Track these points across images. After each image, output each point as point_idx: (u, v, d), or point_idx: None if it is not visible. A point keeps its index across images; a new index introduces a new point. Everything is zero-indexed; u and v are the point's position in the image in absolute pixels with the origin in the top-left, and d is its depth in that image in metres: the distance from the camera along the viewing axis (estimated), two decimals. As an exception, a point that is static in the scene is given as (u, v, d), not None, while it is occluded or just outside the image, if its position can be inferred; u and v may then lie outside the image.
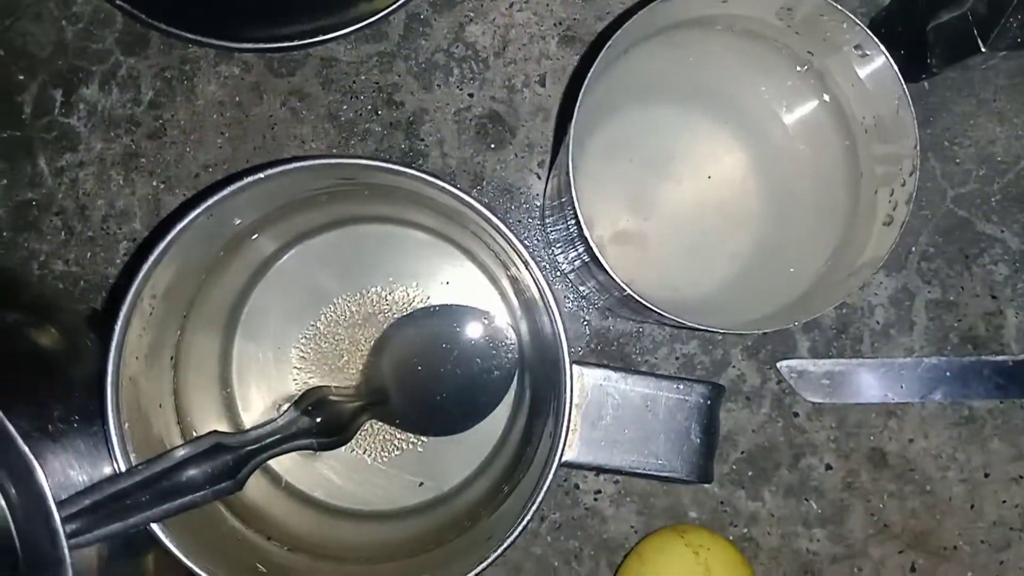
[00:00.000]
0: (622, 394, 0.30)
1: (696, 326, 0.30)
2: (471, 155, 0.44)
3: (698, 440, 0.31)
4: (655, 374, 0.31)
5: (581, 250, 0.35)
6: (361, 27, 0.40)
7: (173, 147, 0.43)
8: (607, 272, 0.31)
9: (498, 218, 0.30)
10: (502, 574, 0.43)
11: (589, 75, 0.30)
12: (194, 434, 0.35)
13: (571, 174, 0.31)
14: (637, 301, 0.31)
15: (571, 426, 0.29)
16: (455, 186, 0.30)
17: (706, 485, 0.43)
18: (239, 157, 0.43)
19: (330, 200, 0.36)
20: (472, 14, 0.44)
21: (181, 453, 0.30)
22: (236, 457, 0.31)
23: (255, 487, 0.36)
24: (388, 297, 0.41)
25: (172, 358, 0.35)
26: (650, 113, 0.39)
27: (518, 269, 0.31)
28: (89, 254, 0.43)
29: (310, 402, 0.35)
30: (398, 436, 0.40)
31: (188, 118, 0.43)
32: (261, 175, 0.29)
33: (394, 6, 0.40)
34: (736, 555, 0.41)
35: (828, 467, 0.44)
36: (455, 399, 0.39)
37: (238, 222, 0.32)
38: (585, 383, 0.31)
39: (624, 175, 0.40)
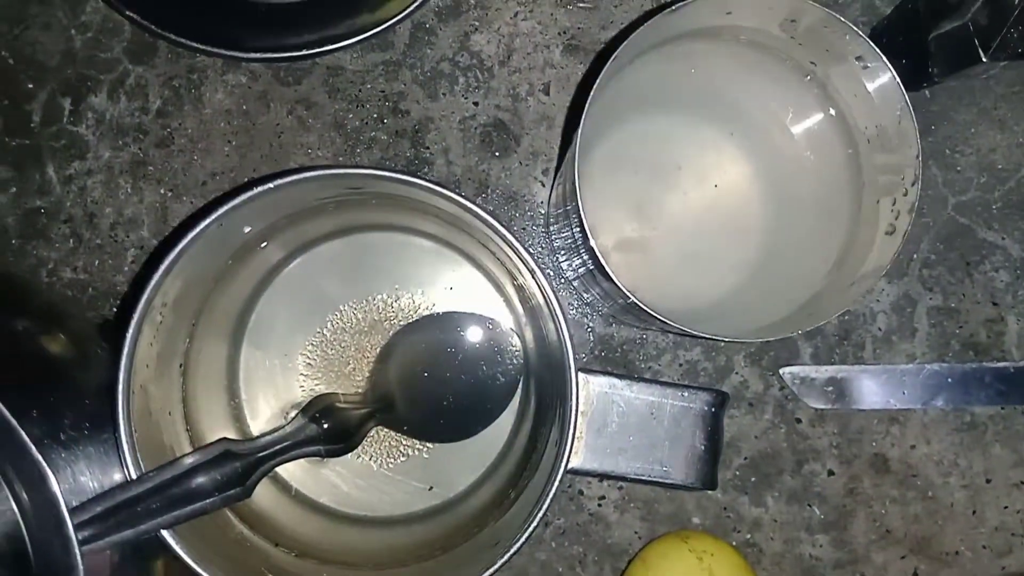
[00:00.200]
0: (627, 401, 0.31)
1: (699, 334, 0.30)
2: (476, 163, 0.44)
3: (702, 447, 0.31)
4: (660, 381, 0.32)
5: (585, 258, 0.35)
6: (367, 37, 0.40)
7: (181, 155, 0.43)
8: (611, 280, 0.32)
9: (504, 227, 0.30)
10: (507, 579, 0.43)
11: (595, 86, 0.30)
12: (203, 441, 0.36)
13: (577, 183, 0.31)
14: (641, 308, 0.32)
15: (577, 433, 0.29)
16: (462, 195, 0.30)
17: (710, 491, 0.43)
18: (246, 165, 0.43)
19: (337, 208, 0.36)
20: (477, 23, 0.44)
21: (191, 460, 0.30)
22: (245, 464, 0.31)
23: (263, 493, 0.37)
24: (394, 304, 0.41)
25: (181, 366, 0.35)
26: (655, 122, 0.39)
27: (524, 277, 0.32)
28: (97, 262, 0.43)
29: (317, 409, 0.35)
30: (404, 442, 0.40)
31: (195, 126, 0.43)
32: (271, 185, 0.29)
33: (400, 16, 0.41)
34: (739, 561, 0.42)
35: (831, 473, 0.44)
36: (461, 405, 0.40)
37: (247, 230, 0.32)
38: (590, 390, 0.31)
39: (628, 184, 0.41)
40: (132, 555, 0.31)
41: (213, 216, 0.29)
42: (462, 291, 0.41)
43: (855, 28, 0.31)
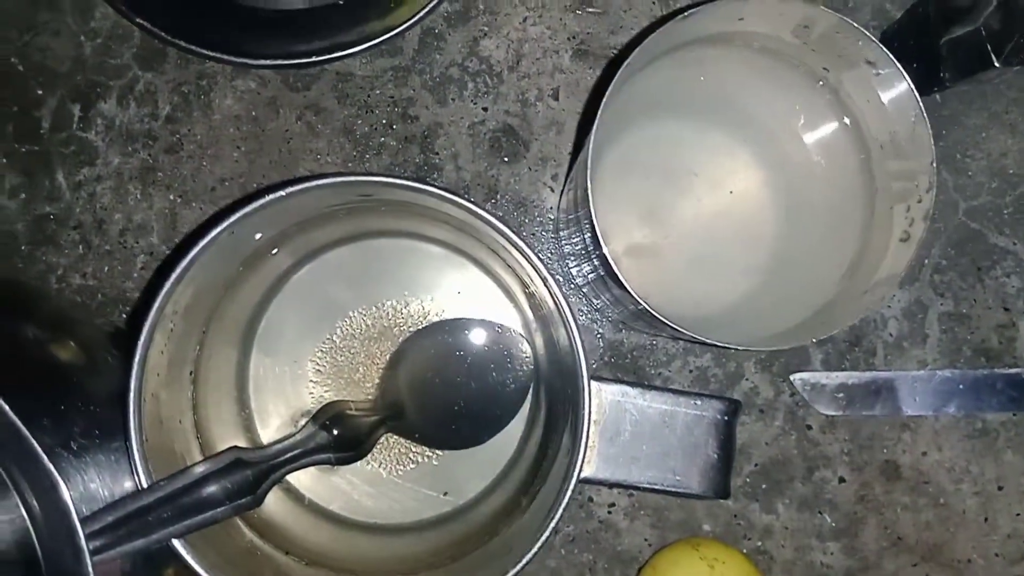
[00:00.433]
0: (640, 410, 0.31)
1: (712, 341, 0.30)
2: (485, 168, 0.44)
3: (715, 456, 0.31)
4: (672, 390, 0.32)
5: (596, 264, 0.35)
6: (377, 43, 0.40)
7: (190, 161, 0.43)
8: (622, 286, 0.32)
9: (515, 234, 0.30)
10: (516, 587, 0.43)
11: (607, 93, 0.30)
12: (213, 448, 0.36)
13: (589, 191, 0.31)
14: (652, 315, 0.32)
15: (589, 442, 0.29)
16: (473, 202, 0.30)
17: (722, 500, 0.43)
18: (255, 171, 0.43)
19: (347, 215, 0.36)
20: (486, 28, 0.44)
21: (202, 469, 0.30)
22: (256, 472, 0.31)
23: (273, 501, 0.37)
24: (403, 310, 0.41)
25: (191, 373, 0.35)
26: (666, 128, 0.39)
27: (535, 284, 0.31)
28: (106, 268, 0.43)
29: (327, 417, 0.35)
30: (413, 449, 0.40)
31: (205, 132, 0.43)
32: (282, 192, 0.29)
33: (410, 22, 0.41)
34: (750, 568, 0.41)
35: (842, 480, 0.44)
36: (471, 412, 0.40)
37: (258, 237, 0.32)
38: (603, 399, 0.31)
39: (639, 189, 0.40)
40: (143, 564, 0.31)
41: (225, 224, 0.29)
42: (472, 296, 0.41)
43: (868, 34, 0.31)
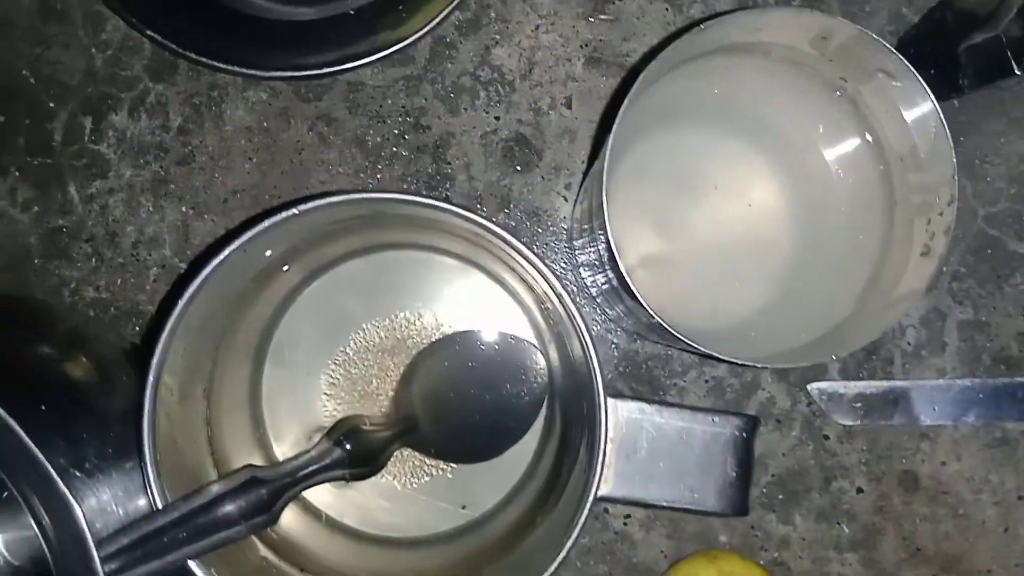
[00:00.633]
0: (657, 427, 0.30)
1: (726, 358, 0.30)
2: (498, 178, 0.44)
3: (734, 473, 0.31)
4: (690, 406, 0.31)
5: (610, 275, 0.35)
6: (389, 54, 0.40)
7: (202, 173, 0.43)
8: (638, 300, 0.31)
9: (531, 251, 0.29)
10: (532, 599, 0.43)
11: (622, 108, 0.29)
12: (227, 464, 0.36)
13: (604, 205, 0.30)
14: (666, 329, 0.31)
15: (606, 460, 0.29)
16: (489, 220, 0.30)
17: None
18: (267, 183, 0.43)
19: (359, 228, 0.36)
20: (498, 37, 0.44)
21: (216, 488, 0.30)
22: (271, 491, 0.31)
23: (288, 517, 0.36)
24: (417, 322, 0.40)
25: (205, 389, 0.35)
26: (682, 137, 0.39)
27: (550, 301, 0.31)
28: (119, 280, 0.43)
29: (341, 432, 0.35)
30: (428, 462, 0.40)
31: (216, 144, 0.43)
32: (295, 211, 0.29)
33: (422, 32, 0.40)
34: (768, 581, 0.41)
35: (859, 490, 0.44)
36: (485, 425, 0.39)
37: (269, 254, 0.32)
38: (619, 416, 0.30)
39: (654, 199, 0.40)
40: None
41: (236, 243, 0.28)
42: (485, 308, 0.41)
43: (888, 46, 0.30)
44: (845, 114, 0.35)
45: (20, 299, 0.39)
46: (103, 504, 0.30)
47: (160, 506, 0.29)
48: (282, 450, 0.39)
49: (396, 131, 0.44)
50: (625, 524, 0.43)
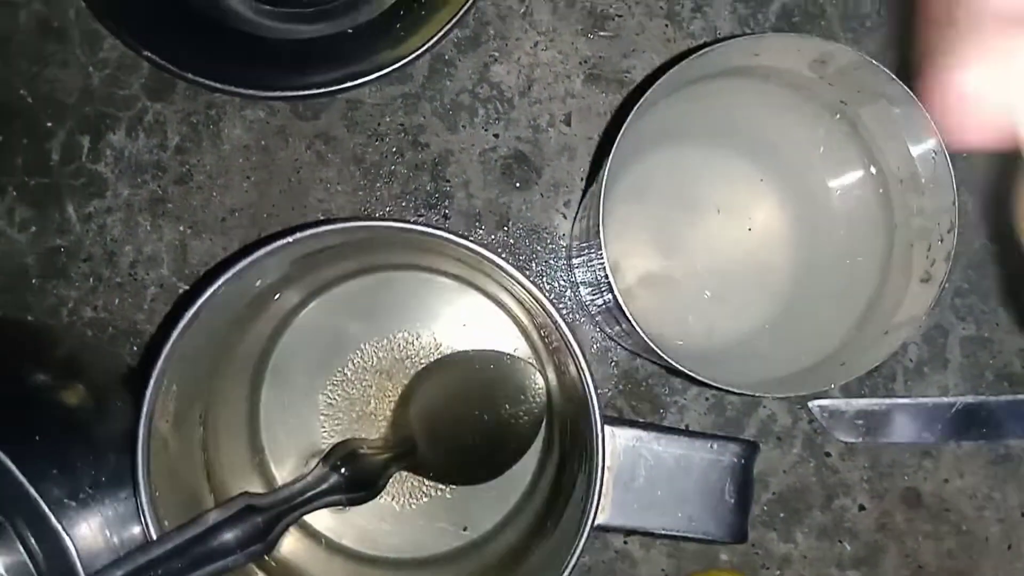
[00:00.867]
0: (655, 455, 0.30)
1: (723, 387, 0.30)
2: (496, 195, 0.44)
3: (732, 500, 0.31)
4: (688, 432, 0.31)
5: (608, 297, 0.35)
6: (387, 73, 0.40)
7: (199, 192, 0.43)
8: (633, 326, 0.31)
9: (528, 279, 0.29)
10: (532, 618, 0.43)
11: (620, 135, 0.29)
12: (224, 488, 0.35)
13: (601, 230, 0.30)
14: (661, 355, 0.31)
15: (603, 490, 0.28)
16: (485, 247, 0.30)
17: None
18: (265, 201, 0.43)
19: (356, 251, 0.36)
20: (497, 54, 0.44)
21: (212, 517, 0.29)
22: (267, 519, 0.30)
23: (285, 540, 0.36)
24: (415, 342, 0.40)
25: (201, 414, 0.35)
26: (682, 157, 0.38)
27: (548, 329, 0.31)
28: (117, 300, 0.43)
29: (338, 457, 0.34)
30: (426, 483, 0.40)
31: (214, 163, 0.43)
32: (290, 239, 0.29)
33: (421, 50, 0.40)
34: (769, 601, 0.41)
35: (861, 508, 0.44)
36: (484, 446, 0.39)
37: (258, 284, 0.31)
38: (617, 444, 0.30)
39: (654, 218, 0.40)
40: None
41: (227, 275, 0.28)
42: (483, 328, 0.40)
43: (887, 72, 0.30)
44: (845, 137, 0.34)
45: (16, 322, 0.39)
46: (97, 532, 0.30)
47: (154, 537, 0.29)
48: (281, 473, 0.39)
49: (394, 149, 0.43)
50: (626, 543, 0.43)
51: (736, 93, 0.35)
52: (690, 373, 0.30)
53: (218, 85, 0.40)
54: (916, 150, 0.31)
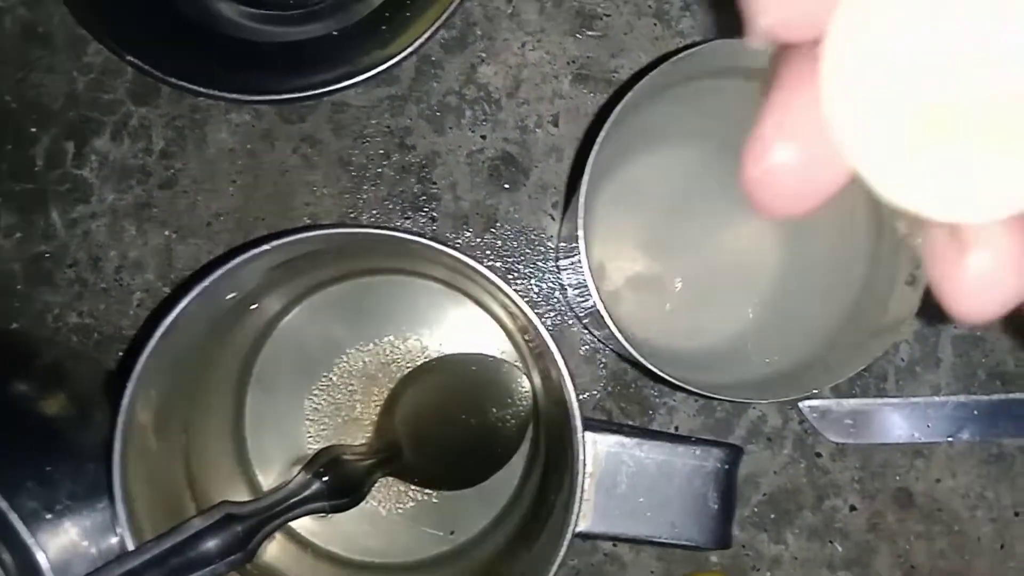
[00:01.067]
0: (637, 461, 0.30)
1: (710, 395, 0.29)
2: (484, 197, 0.43)
3: (716, 506, 0.30)
4: (671, 436, 0.31)
5: (592, 301, 0.34)
6: (373, 75, 0.39)
7: (185, 196, 0.43)
8: (615, 337, 0.31)
9: (510, 286, 0.29)
10: (521, 622, 0.43)
11: (599, 138, 0.29)
12: (208, 495, 0.35)
13: (581, 236, 0.30)
14: (642, 364, 0.31)
15: (585, 496, 0.28)
16: (467, 255, 0.29)
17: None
18: (251, 205, 0.43)
19: (339, 257, 0.36)
20: (484, 55, 0.43)
21: (191, 527, 0.29)
22: (247, 528, 0.30)
23: (269, 546, 0.36)
24: (402, 346, 0.40)
25: (183, 421, 0.34)
26: (670, 159, 0.38)
27: (531, 333, 0.31)
28: (103, 306, 0.43)
29: (321, 464, 0.34)
30: (412, 487, 0.40)
31: (199, 167, 0.43)
32: (267, 247, 0.28)
33: (406, 51, 0.40)
34: (759, 603, 0.41)
35: (852, 508, 0.43)
36: (470, 450, 0.39)
37: (230, 296, 0.31)
38: (598, 451, 0.30)
39: (641, 220, 0.40)
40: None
41: (204, 283, 0.28)
42: (469, 332, 0.40)
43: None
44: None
45: (-1, 331, 0.39)
46: (75, 543, 0.30)
47: (132, 547, 0.29)
48: (267, 480, 0.39)
49: (381, 151, 0.43)
50: (615, 546, 0.43)
51: (722, 94, 0.34)
52: (670, 379, 0.29)
53: (202, 89, 0.39)
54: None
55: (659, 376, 0.30)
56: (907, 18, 0.12)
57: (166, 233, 0.43)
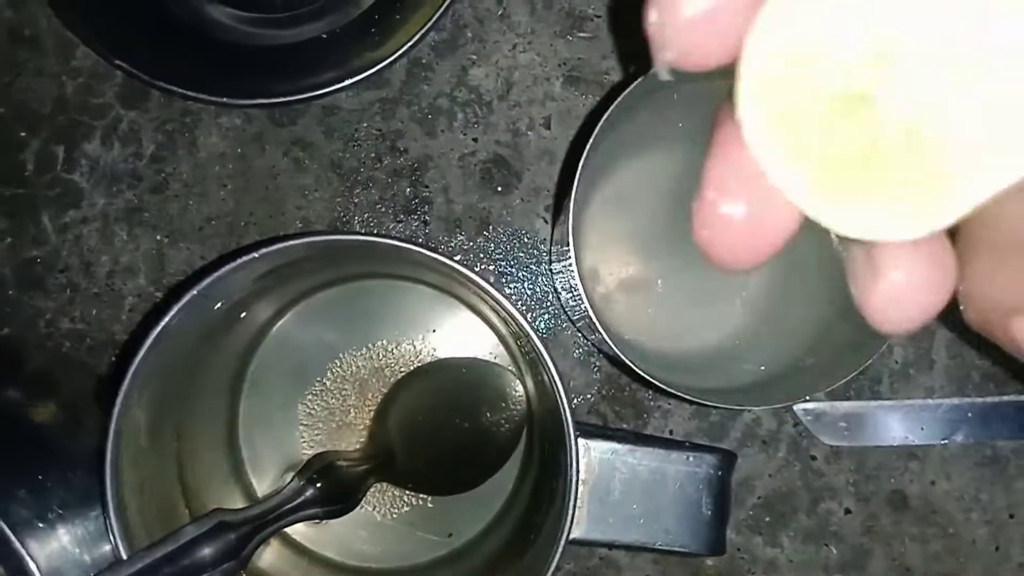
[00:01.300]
0: (630, 468, 0.30)
1: (700, 401, 0.29)
2: (476, 200, 0.43)
3: (709, 512, 0.30)
4: (664, 441, 0.31)
5: (584, 305, 0.34)
6: (363, 78, 0.39)
7: (176, 200, 0.43)
8: (607, 343, 0.31)
9: (501, 294, 0.29)
10: (516, 626, 0.43)
11: (591, 141, 0.29)
12: (202, 502, 0.35)
13: (571, 241, 0.30)
14: (633, 369, 0.31)
15: (578, 503, 0.28)
16: (457, 261, 0.29)
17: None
18: (242, 209, 0.43)
19: (331, 262, 0.36)
20: (475, 57, 0.43)
21: (184, 535, 0.29)
22: (240, 535, 0.30)
23: (263, 551, 0.36)
24: (395, 350, 0.40)
25: (176, 427, 0.34)
26: (660, 161, 0.38)
27: (523, 339, 0.31)
28: (95, 311, 0.42)
29: (314, 470, 0.34)
30: (407, 492, 0.40)
31: (190, 171, 0.43)
32: (256, 254, 0.28)
33: (397, 54, 0.39)
34: (754, 607, 0.41)
35: (847, 511, 0.43)
36: (464, 454, 0.39)
37: (218, 305, 0.31)
38: (592, 458, 0.30)
39: (634, 223, 0.40)
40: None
41: (194, 290, 0.28)
42: (462, 336, 0.40)
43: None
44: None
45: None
46: (67, 551, 0.29)
47: (124, 555, 0.29)
48: (261, 486, 0.39)
49: (372, 154, 0.43)
50: (610, 549, 0.43)
51: (716, 97, 0.34)
52: (660, 385, 0.29)
53: (192, 93, 0.39)
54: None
55: (650, 381, 0.30)
56: (809, 58, 0.13)
57: (157, 238, 0.43)
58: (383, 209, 0.43)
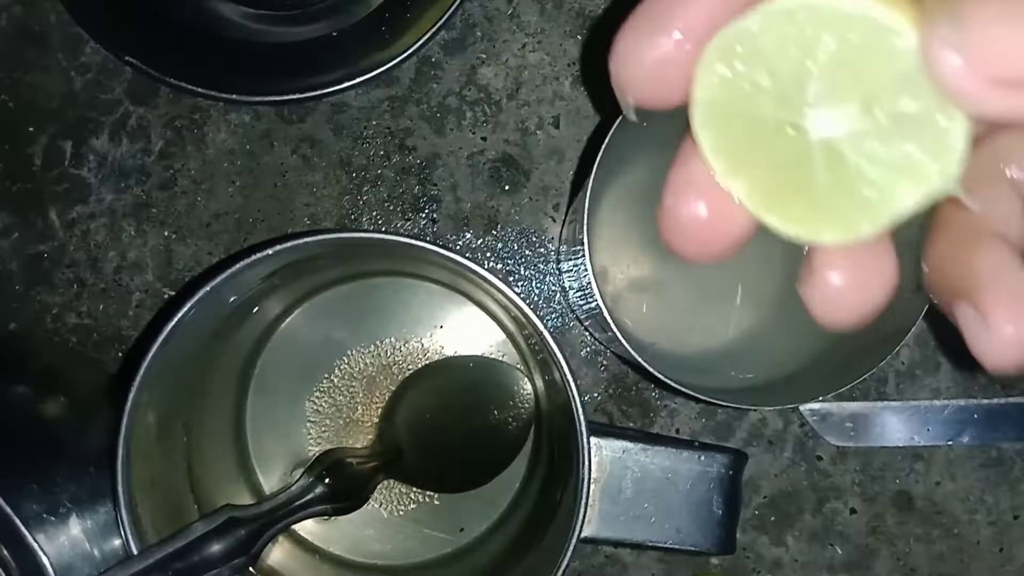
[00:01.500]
0: (641, 467, 0.30)
1: (711, 400, 0.29)
2: (485, 199, 0.43)
3: (720, 511, 0.30)
4: (675, 441, 0.31)
5: (593, 304, 0.34)
6: (374, 76, 0.39)
7: (184, 197, 0.43)
8: (618, 340, 0.31)
9: (513, 291, 0.29)
10: (522, 625, 0.43)
11: (605, 142, 0.29)
12: (210, 498, 0.35)
13: (586, 240, 0.30)
14: (649, 369, 0.31)
15: (590, 501, 0.28)
16: (470, 259, 0.29)
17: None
18: (250, 206, 0.43)
19: (339, 259, 0.36)
20: (484, 56, 0.43)
21: (194, 531, 0.29)
22: (250, 531, 0.30)
23: (271, 548, 0.36)
24: (403, 348, 0.40)
25: (184, 423, 0.34)
26: (668, 161, 0.38)
27: (535, 337, 0.31)
28: (102, 306, 0.42)
29: (324, 467, 0.34)
30: (414, 489, 0.40)
31: (199, 167, 0.43)
32: (269, 251, 0.28)
33: (407, 53, 0.40)
34: (759, 606, 0.41)
35: (853, 511, 0.43)
36: (471, 452, 0.39)
37: (232, 300, 0.31)
38: (603, 456, 0.30)
39: (644, 222, 0.39)
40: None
41: (203, 290, 0.28)
42: (470, 334, 0.40)
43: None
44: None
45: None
46: (78, 545, 0.29)
47: (135, 551, 0.29)
48: (269, 482, 0.39)
49: (381, 152, 0.43)
50: (615, 547, 0.43)
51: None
52: (673, 384, 0.29)
53: (201, 90, 0.39)
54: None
55: (661, 380, 0.30)
56: (746, 88, 0.14)
57: (165, 234, 0.43)
58: (391, 207, 0.43)
